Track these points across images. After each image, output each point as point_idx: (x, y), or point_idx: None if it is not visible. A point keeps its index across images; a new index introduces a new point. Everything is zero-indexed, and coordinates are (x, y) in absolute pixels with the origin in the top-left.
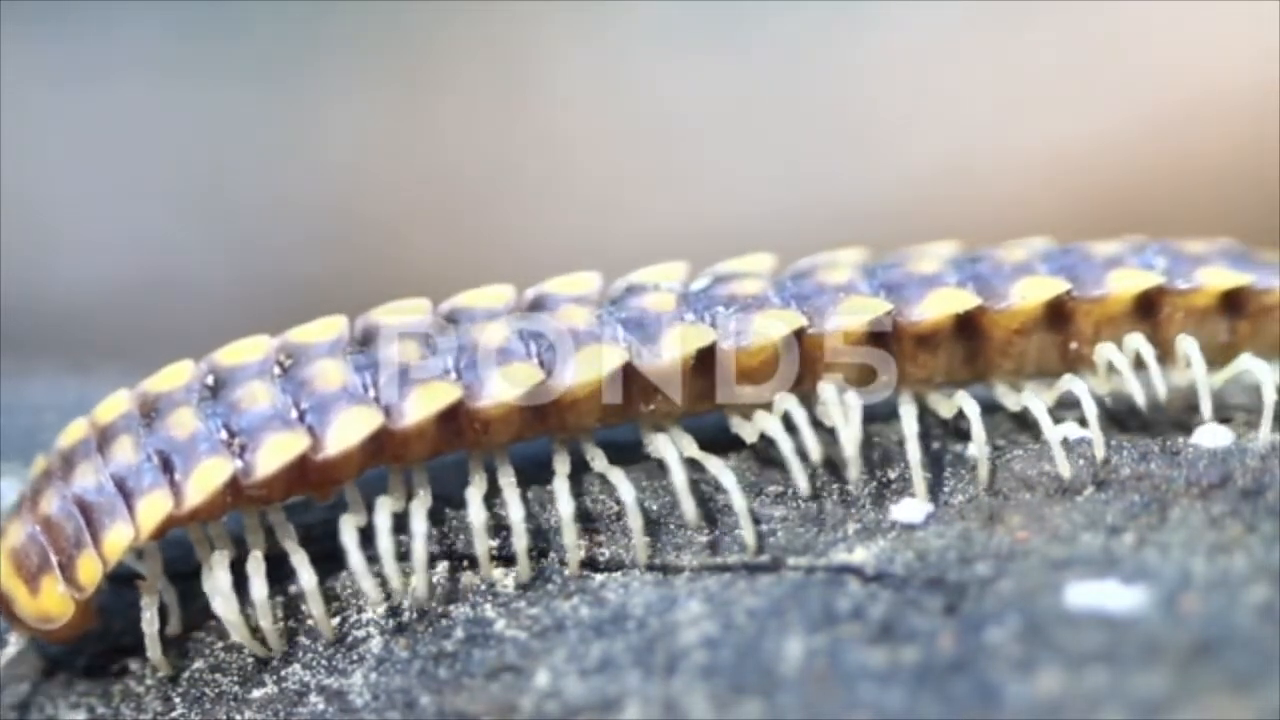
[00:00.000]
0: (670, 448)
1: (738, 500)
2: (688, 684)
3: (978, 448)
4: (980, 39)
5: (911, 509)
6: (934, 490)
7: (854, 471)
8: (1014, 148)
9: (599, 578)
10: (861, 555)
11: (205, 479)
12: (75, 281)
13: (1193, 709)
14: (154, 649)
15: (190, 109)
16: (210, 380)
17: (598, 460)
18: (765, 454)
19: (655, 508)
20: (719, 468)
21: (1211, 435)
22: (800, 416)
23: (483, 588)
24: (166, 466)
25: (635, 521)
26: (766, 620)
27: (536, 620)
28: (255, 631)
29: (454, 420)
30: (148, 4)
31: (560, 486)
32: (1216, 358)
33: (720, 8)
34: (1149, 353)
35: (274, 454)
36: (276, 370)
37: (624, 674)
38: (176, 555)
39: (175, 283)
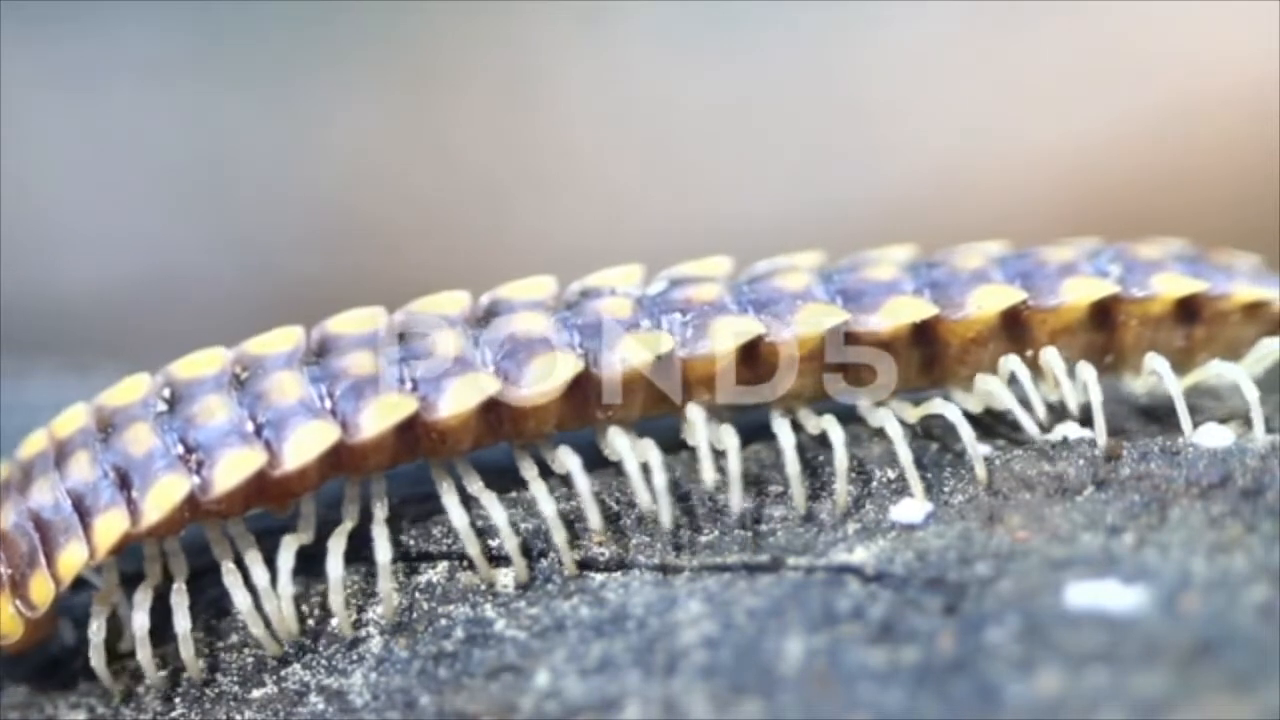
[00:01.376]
0: (630, 452)
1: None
2: (688, 684)
3: (904, 461)
4: (980, 39)
5: (911, 509)
6: (932, 489)
7: (797, 492)
8: (1014, 148)
9: (599, 578)
10: (861, 555)
11: (162, 497)
12: (75, 281)
13: (1193, 709)
14: (99, 662)
15: (191, 109)
16: (167, 394)
17: (558, 463)
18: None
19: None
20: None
21: (1211, 435)
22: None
23: (482, 587)
24: (123, 484)
25: (557, 536)
26: (766, 620)
27: (536, 620)
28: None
29: (411, 430)
30: (148, 5)
31: (537, 490)
32: (1173, 363)
33: (723, 9)
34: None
35: (231, 470)
36: (233, 383)
37: (624, 674)
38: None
39: (175, 283)
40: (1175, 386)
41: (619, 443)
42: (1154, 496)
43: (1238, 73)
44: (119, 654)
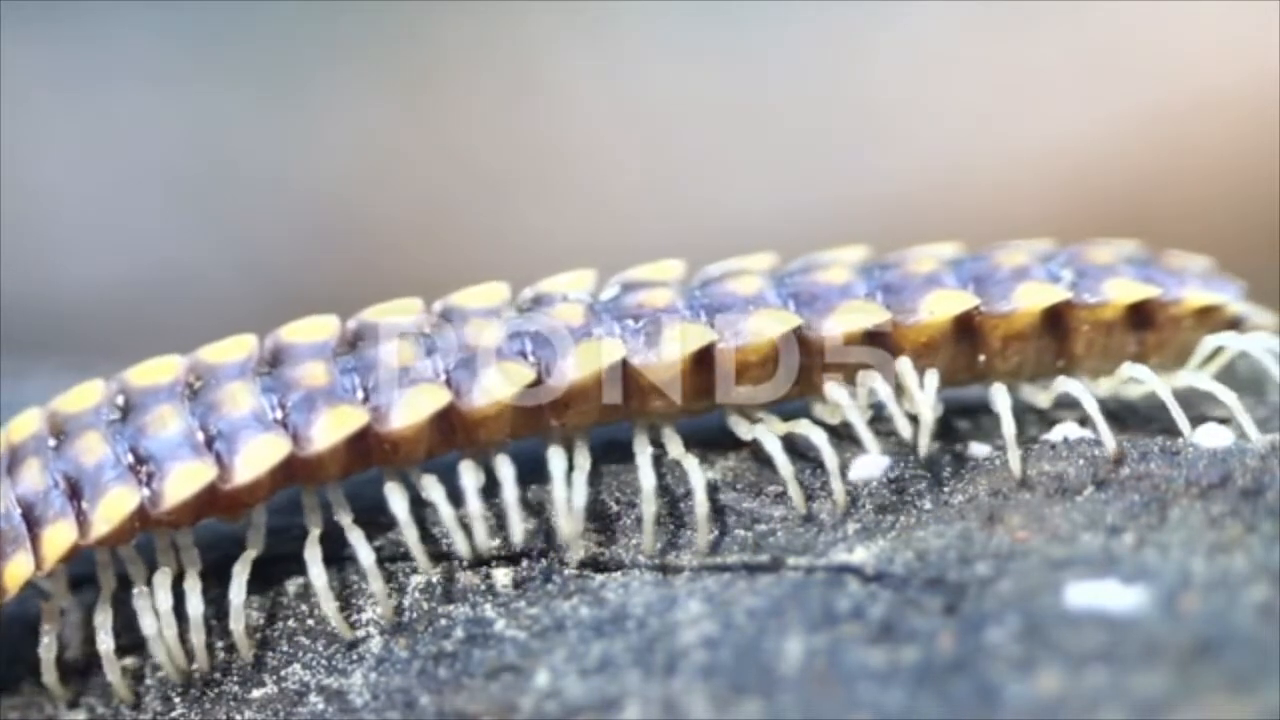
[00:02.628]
0: (560, 463)
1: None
2: (688, 684)
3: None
4: (980, 39)
5: (868, 464)
6: (933, 489)
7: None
8: (1014, 148)
9: (599, 578)
10: (861, 555)
11: (112, 509)
12: (75, 281)
13: (1193, 709)
14: (49, 675)
15: (191, 109)
16: (121, 401)
17: (497, 470)
18: (765, 454)
19: (655, 508)
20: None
21: (1211, 435)
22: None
23: (482, 587)
24: (73, 493)
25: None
26: (766, 620)
27: (536, 620)
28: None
29: (364, 441)
30: (149, 5)
31: (512, 502)
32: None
33: (726, 9)
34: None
35: (181, 484)
36: (186, 392)
37: (624, 674)
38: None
39: (175, 283)
40: (1165, 390)
41: (554, 463)
42: (1154, 496)
43: (1238, 72)
44: (119, 647)
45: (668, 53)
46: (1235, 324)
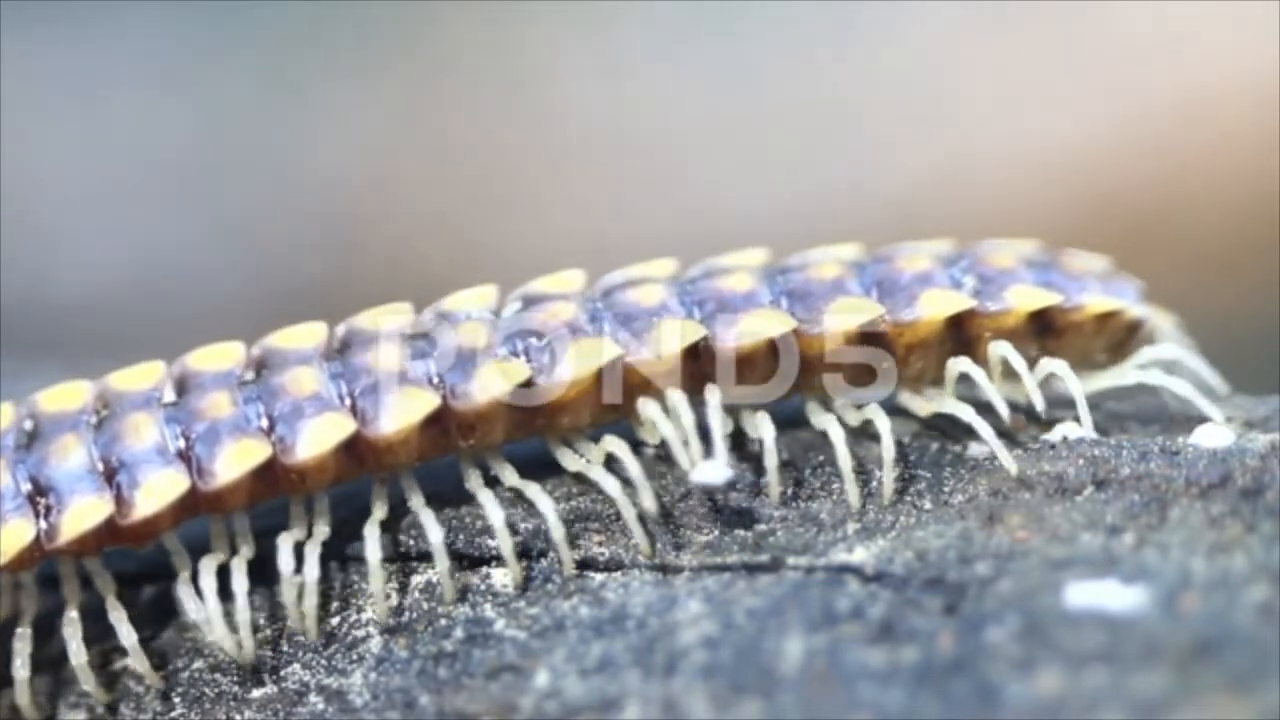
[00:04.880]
0: (484, 492)
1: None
2: (688, 684)
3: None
4: (979, 40)
5: (710, 470)
6: (932, 489)
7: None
8: (1012, 148)
9: (599, 578)
10: (861, 555)
11: (6, 542)
12: (75, 281)
13: (1193, 709)
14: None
15: (191, 110)
16: (29, 426)
17: (414, 499)
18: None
19: (654, 508)
20: (536, 492)
21: (1211, 435)
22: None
23: (482, 587)
24: None
25: (440, 563)
26: (766, 620)
27: (536, 620)
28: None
29: (270, 470)
30: (148, 5)
31: (429, 523)
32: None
33: (723, 10)
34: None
35: (77, 520)
36: (91, 422)
37: (624, 674)
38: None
39: (175, 283)
40: (1078, 389)
41: (473, 484)
42: (1154, 496)
43: (1238, 72)
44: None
45: (668, 54)
46: (1135, 327)
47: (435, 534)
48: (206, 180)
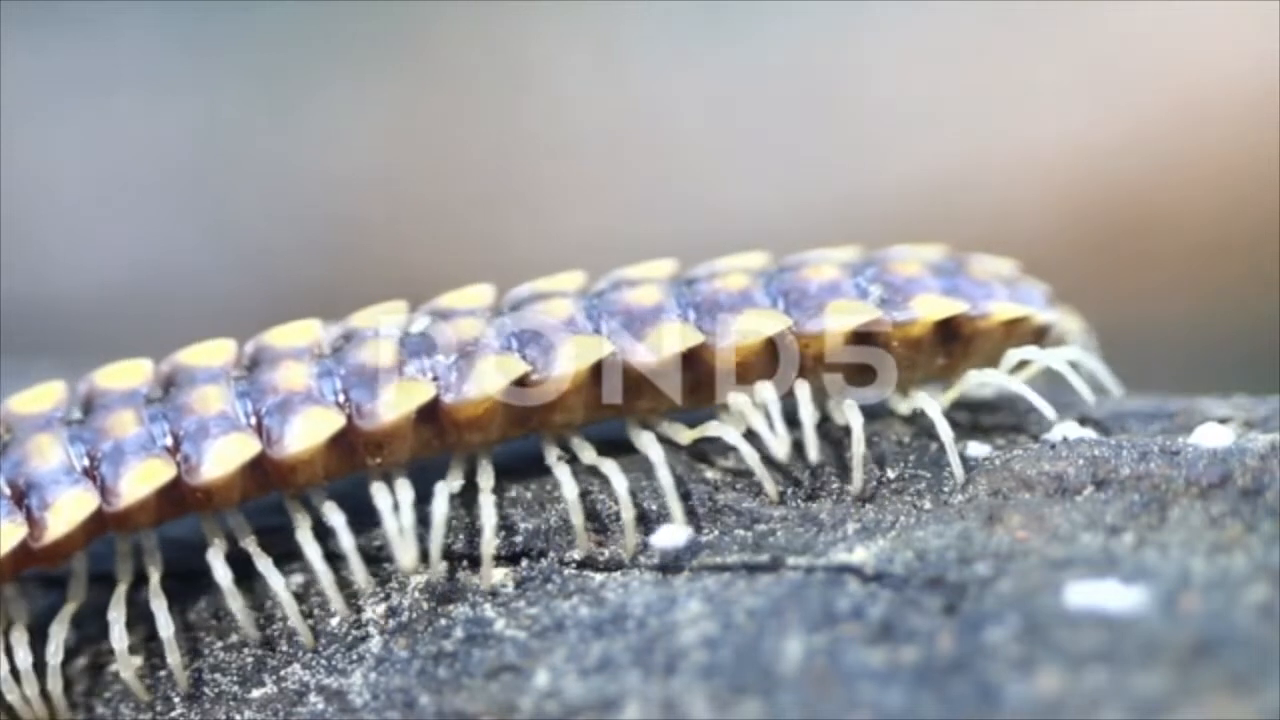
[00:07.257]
0: (390, 510)
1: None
2: (688, 684)
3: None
4: (979, 40)
5: (671, 534)
6: (931, 489)
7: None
8: (1012, 148)
9: (599, 577)
10: (861, 555)
11: None
12: (75, 281)
13: (1193, 709)
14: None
15: (190, 111)
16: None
17: (326, 516)
18: (766, 455)
19: (654, 507)
20: (488, 505)
21: (1211, 435)
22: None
23: (482, 587)
24: None
25: (404, 553)
26: (766, 620)
27: (536, 620)
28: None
29: (176, 489)
30: (148, 6)
31: (309, 548)
32: (937, 377)
33: (723, 9)
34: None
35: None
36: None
37: (624, 674)
38: (174, 556)
39: (175, 284)
40: (936, 412)
41: (380, 500)
42: (1154, 496)
43: (1238, 74)
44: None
45: (667, 54)
46: (1042, 332)
47: (348, 539)
48: (205, 181)
